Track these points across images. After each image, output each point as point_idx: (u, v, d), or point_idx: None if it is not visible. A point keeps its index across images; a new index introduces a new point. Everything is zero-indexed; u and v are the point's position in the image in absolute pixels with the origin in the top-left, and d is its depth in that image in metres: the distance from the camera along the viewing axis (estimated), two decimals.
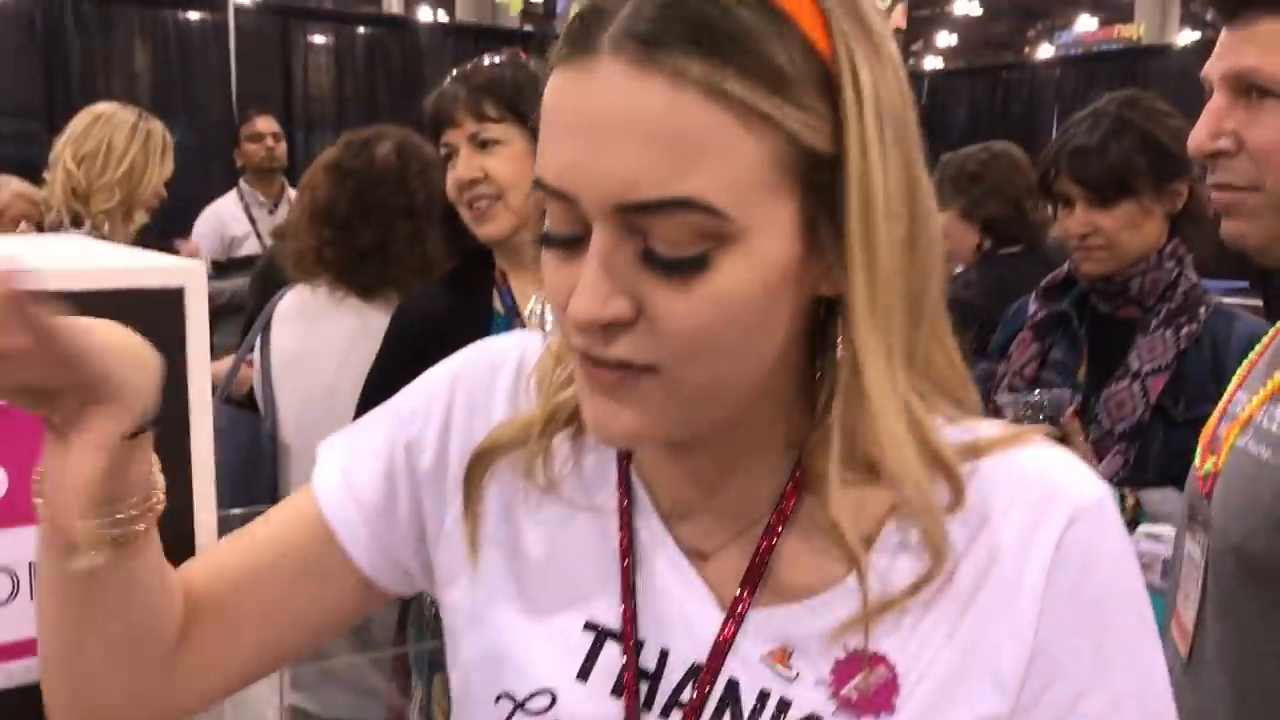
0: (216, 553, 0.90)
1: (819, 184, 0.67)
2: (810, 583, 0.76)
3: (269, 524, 0.88)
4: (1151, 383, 2.00)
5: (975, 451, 0.75)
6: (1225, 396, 1.37)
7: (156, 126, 3.18)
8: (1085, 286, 2.14)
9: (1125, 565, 0.76)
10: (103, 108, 3.20)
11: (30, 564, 0.90)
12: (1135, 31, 17.10)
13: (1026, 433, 0.78)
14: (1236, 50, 1.25)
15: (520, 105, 1.84)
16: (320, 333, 2.42)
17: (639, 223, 0.65)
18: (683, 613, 0.78)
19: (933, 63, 22.40)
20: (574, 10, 0.69)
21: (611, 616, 0.80)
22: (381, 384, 1.91)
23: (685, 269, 0.65)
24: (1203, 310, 2.02)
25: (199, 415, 0.97)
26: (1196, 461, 1.34)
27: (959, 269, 3.46)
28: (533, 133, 1.41)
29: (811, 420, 0.76)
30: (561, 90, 0.67)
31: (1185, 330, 2.01)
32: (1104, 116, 2.07)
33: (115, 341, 0.69)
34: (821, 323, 0.73)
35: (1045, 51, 20.23)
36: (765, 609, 0.77)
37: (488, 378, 0.88)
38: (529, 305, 1.89)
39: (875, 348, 0.69)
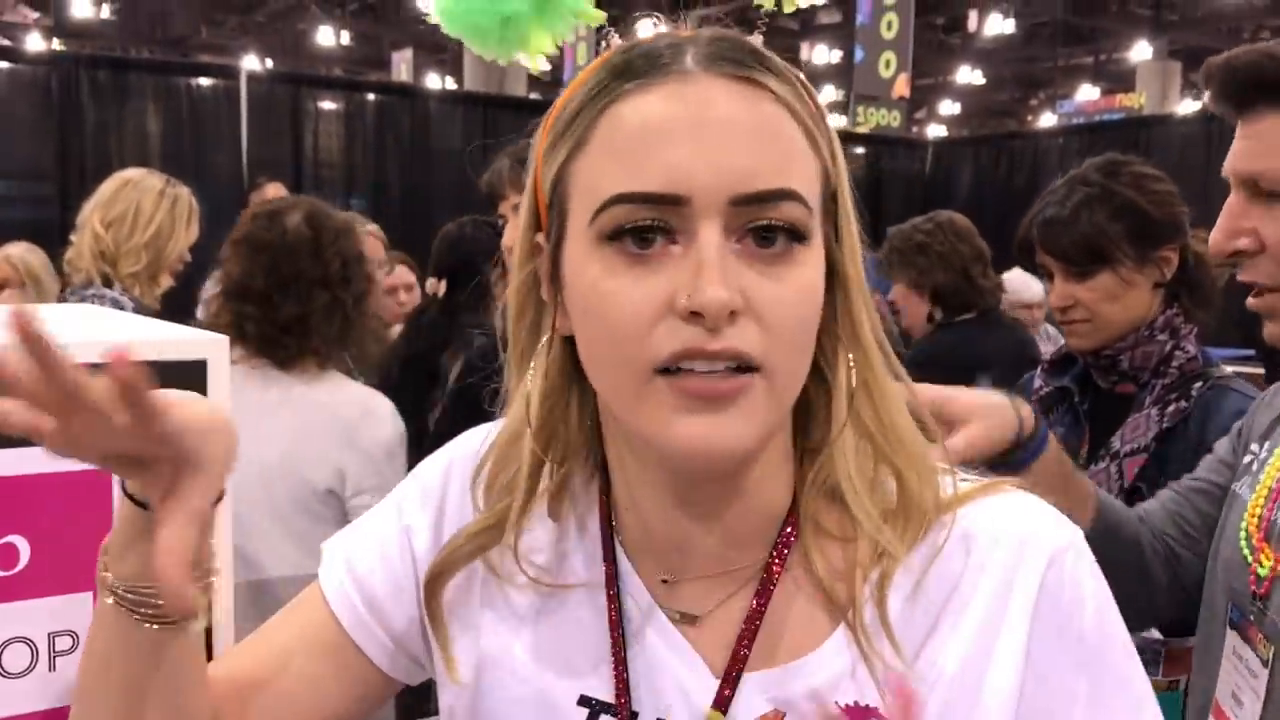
0: (233, 657, 0.91)
1: (826, 213, 0.77)
2: (800, 641, 0.79)
3: (281, 625, 0.90)
4: (1127, 464, 1.87)
5: (956, 501, 0.79)
6: (1271, 476, 1.27)
7: (183, 192, 3.21)
8: (1084, 362, 2.04)
9: (1106, 601, 0.79)
10: (131, 173, 3.23)
11: (50, 635, 0.90)
12: (1137, 101, 17.28)
13: (1001, 483, 0.82)
14: (1246, 151, 1.25)
15: None
16: (241, 404, 2.41)
17: (744, 216, 0.71)
18: (677, 681, 0.79)
19: (936, 131, 22.62)
20: (618, 60, 0.75)
21: (606, 690, 0.81)
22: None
23: (779, 261, 0.72)
24: (1198, 385, 1.88)
25: None
26: (1244, 553, 1.26)
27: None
28: None
29: (802, 467, 0.81)
30: (656, 103, 0.72)
31: (1172, 408, 1.87)
32: (1079, 185, 1.95)
33: (204, 415, 0.71)
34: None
35: (1048, 120, 20.42)
36: (758, 672, 0.78)
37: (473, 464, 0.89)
38: None
39: (868, 354, 0.78)
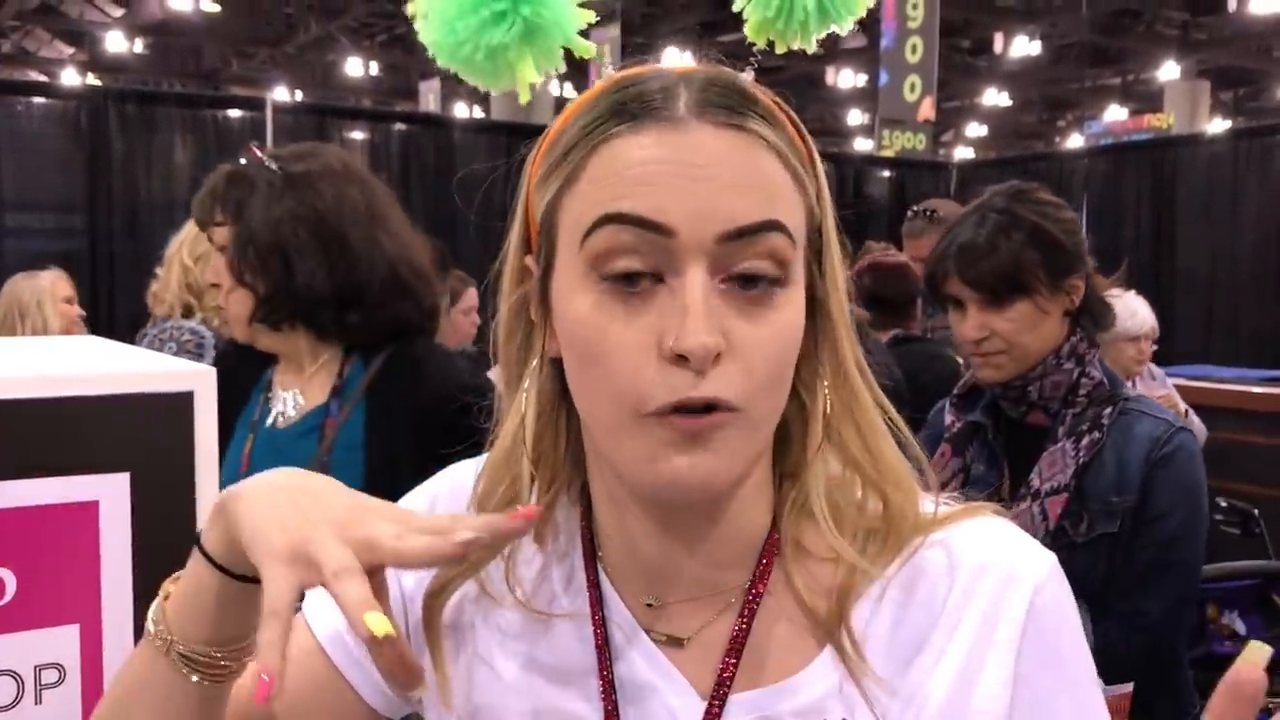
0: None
1: (810, 249, 0.79)
2: (786, 661, 0.79)
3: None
4: (1050, 505, 1.85)
5: (937, 523, 0.81)
6: None
7: None
8: (992, 393, 2.00)
9: (1079, 627, 0.81)
10: None
11: (35, 668, 0.90)
12: (1165, 121, 17.19)
13: (980, 507, 0.83)
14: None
15: (230, 205, 1.80)
16: None
17: (732, 252, 0.73)
18: (665, 707, 0.80)
19: (962, 153, 22.58)
20: (612, 98, 0.77)
21: (595, 715, 0.81)
22: None
23: (758, 302, 0.74)
24: (1108, 411, 1.87)
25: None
26: None
27: None
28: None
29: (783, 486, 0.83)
30: (647, 147, 0.74)
31: (1086, 441, 1.86)
32: (991, 212, 1.92)
33: None
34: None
35: (1075, 142, 20.34)
36: (745, 693, 0.79)
37: (462, 499, 0.88)
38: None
39: (845, 371, 0.80)
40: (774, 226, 0.74)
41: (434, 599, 0.86)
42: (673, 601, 0.82)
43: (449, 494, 0.92)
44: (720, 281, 0.73)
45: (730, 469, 0.74)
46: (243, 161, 1.83)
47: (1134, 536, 1.83)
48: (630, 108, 0.75)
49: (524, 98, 0.89)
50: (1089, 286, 1.94)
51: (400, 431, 1.73)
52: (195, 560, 0.76)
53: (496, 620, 0.86)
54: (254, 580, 0.71)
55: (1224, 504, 3.98)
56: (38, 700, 0.91)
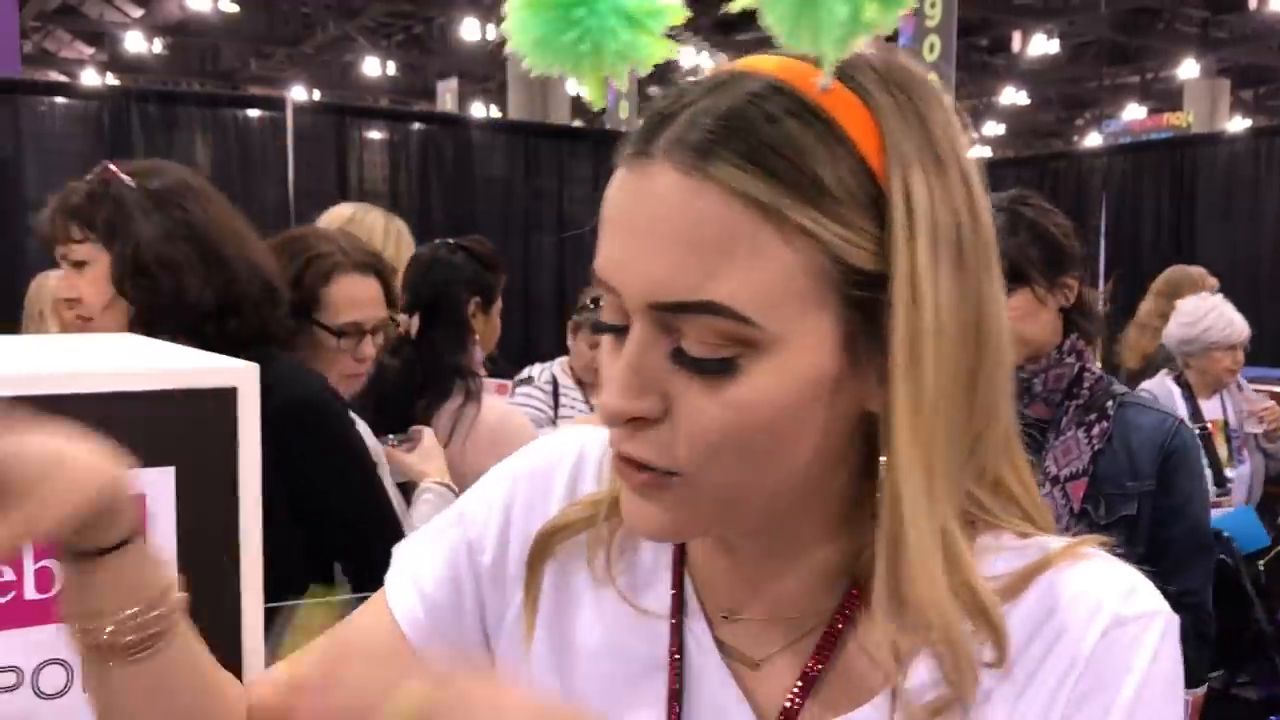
0: (290, 664, 0.91)
1: (861, 300, 0.67)
2: (848, 697, 0.75)
3: (342, 633, 0.90)
4: (1072, 489, 2.00)
5: (1040, 567, 0.73)
6: None
7: (403, 226, 3.15)
8: None
9: (1158, 683, 0.70)
10: (349, 209, 3.14)
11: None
12: (1185, 120, 17.10)
13: (1084, 544, 0.75)
14: None
15: (97, 223, 1.79)
16: None
17: (672, 322, 0.67)
18: None
19: (980, 152, 22.47)
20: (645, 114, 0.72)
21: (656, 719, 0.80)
22: None
23: (713, 372, 0.66)
24: (1110, 404, 2.04)
25: (249, 509, 1.00)
26: None
27: None
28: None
29: (868, 537, 0.74)
30: (617, 189, 0.70)
31: (1096, 430, 2.02)
32: (995, 212, 2.04)
33: (34, 453, 0.70)
34: (873, 438, 0.72)
35: (1093, 141, 20.26)
36: None
37: (545, 477, 0.89)
38: None
39: (912, 473, 0.68)
40: (706, 308, 0.65)
41: (548, 538, 0.85)
42: (750, 618, 0.79)
43: (577, 464, 0.90)
44: (673, 349, 0.68)
45: (672, 526, 0.72)
46: (88, 179, 1.83)
47: (1163, 524, 2.01)
48: (638, 134, 0.71)
49: (598, 101, 0.84)
50: (1081, 290, 2.09)
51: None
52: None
53: (589, 594, 0.85)
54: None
55: None
56: (85, 688, 0.93)
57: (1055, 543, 0.75)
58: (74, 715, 0.93)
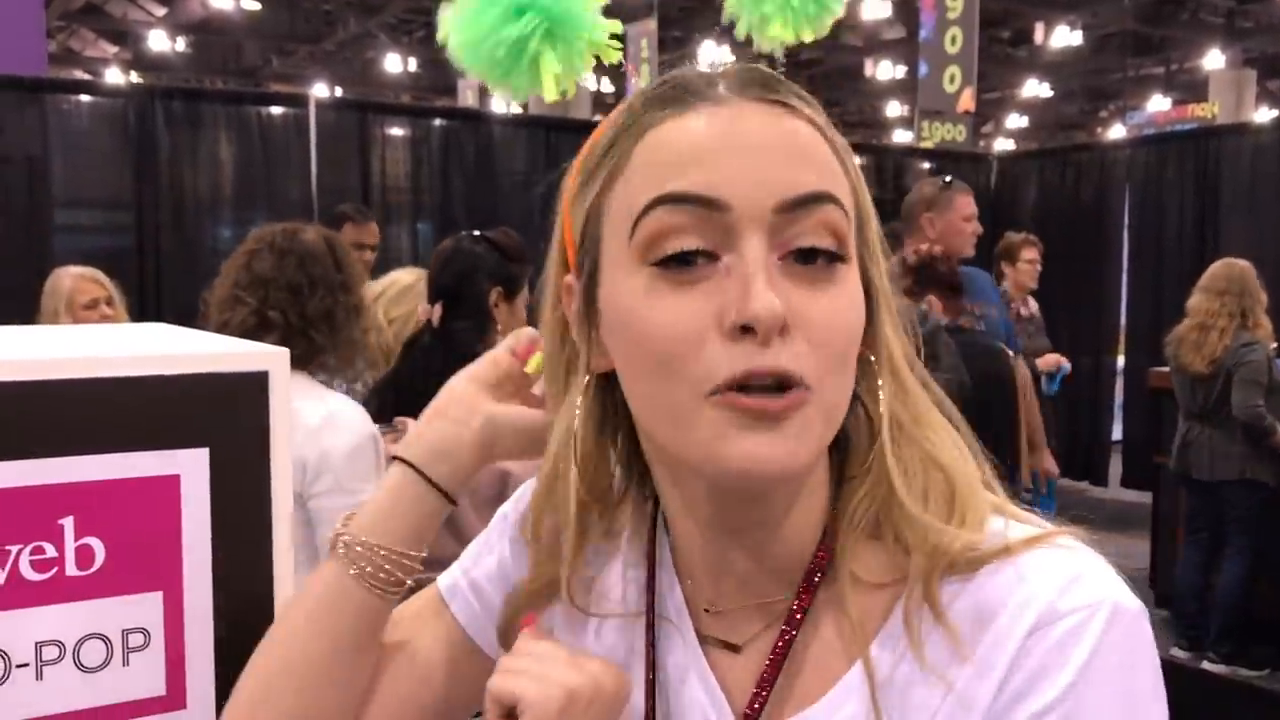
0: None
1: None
2: (817, 683, 0.77)
3: (399, 622, 0.95)
4: None
5: (999, 555, 0.74)
6: None
7: None
8: None
9: (1097, 680, 0.68)
10: (409, 275, 3.65)
11: (124, 631, 0.95)
12: (1210, 111, 16.97)
13: (1052, 534, 0.75)
14: None
15: None
16: None
17: (789, 224, 0.72)
18: (703, 715, 0.81)
19: (1003, 145, 22.40)
20: (654, 92, 0.77)
21: (637, 709, 0.83)
22: None
23: (824, 277, 0.73)
24: None
25: (280, 490, 1.03)
26: None
27: None
28: None
29: (839, 490, 0.80)
30: (696, 128, 0.74)
31: None
32: None
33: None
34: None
35: (1117, 132, 20.14)
36: (775, 715, 0.78)
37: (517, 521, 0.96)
38: None
39: (902, 406, 0.78)
40: (829, 198, 0.73)
41: (508, 626, 0.91)
42: (730, 608, 0.81)
43: (515, 515, 0.96)
44: (779, 258, 0.71)
45: (804, 452, 0.71)
46: None
47: None
48: (671, 94, 0.75)
49: (550, 96, 0.89)
50: None
51: None
52: (397, 470, 0.91)
53: (572, 625, 0.89)
54: (443, 492, 0.90)
55: None
56: (125, 662, 0.96)
57: (1020, 531, 0.75)
58: (114, 689, 0.96)
